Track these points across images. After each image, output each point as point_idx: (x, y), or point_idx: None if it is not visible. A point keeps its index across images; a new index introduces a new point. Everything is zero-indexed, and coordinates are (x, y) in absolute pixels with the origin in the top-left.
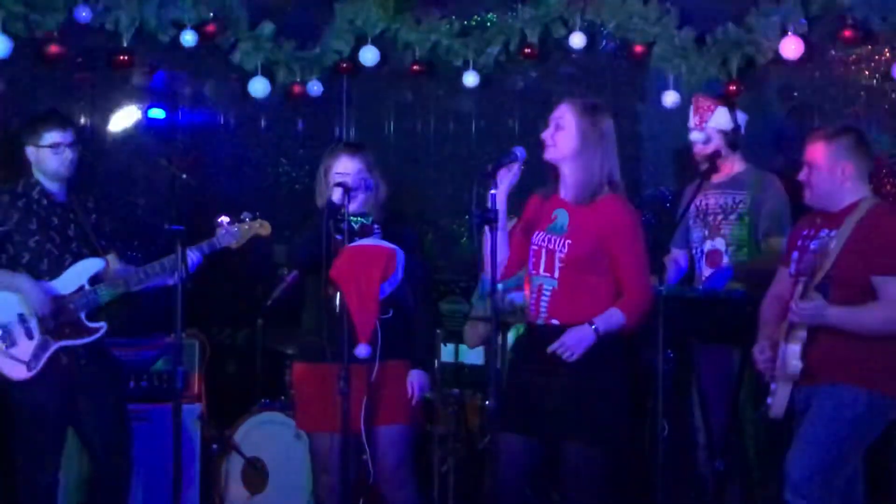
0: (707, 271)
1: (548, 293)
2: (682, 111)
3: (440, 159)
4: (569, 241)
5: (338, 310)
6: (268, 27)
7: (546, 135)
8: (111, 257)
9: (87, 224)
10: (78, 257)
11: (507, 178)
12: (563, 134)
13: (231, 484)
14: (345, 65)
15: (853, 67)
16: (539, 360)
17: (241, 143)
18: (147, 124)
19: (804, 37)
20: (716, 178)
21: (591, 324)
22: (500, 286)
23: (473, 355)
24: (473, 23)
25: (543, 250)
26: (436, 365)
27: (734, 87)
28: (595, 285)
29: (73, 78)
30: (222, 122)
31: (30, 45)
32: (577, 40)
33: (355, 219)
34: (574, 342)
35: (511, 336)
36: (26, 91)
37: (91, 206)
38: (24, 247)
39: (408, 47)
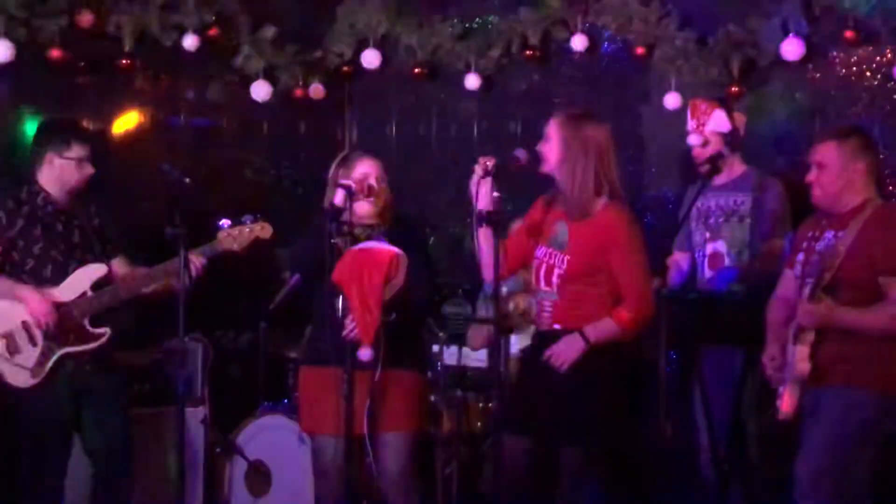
0: (709, 274)
1: (550, 305)
2: (683, 113)
3: (442, 162)
4: (567, 257)
5: (340, 313)
6: (269, 31)
7: (539, 148)
8: (119, 261)
9: (91, 230)
10: (82, 264)
11: (486, 186)
12: (549, 146)
13: (234, 487)
14: (346, 68)
15: (854, 68)
16: (540, 365)
17: (243, 147)
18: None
19: (805, 38)
20: (717, 181)
21: (581, 332)
22: (503, 289)
23: (476, 358)
24: (475, 25)
25: (544, 265)
26: (439, 367)
27: (736, 89)
28: (596, 296)
29: (75, 83)
30: (224, 125)
31: (32, 49)
32: (579, 42)
33: (362, 229)
34: (562, 351)
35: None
36: (28, 96)
37: (93, 211)
38: (28, 253)
39: (409, 50)
